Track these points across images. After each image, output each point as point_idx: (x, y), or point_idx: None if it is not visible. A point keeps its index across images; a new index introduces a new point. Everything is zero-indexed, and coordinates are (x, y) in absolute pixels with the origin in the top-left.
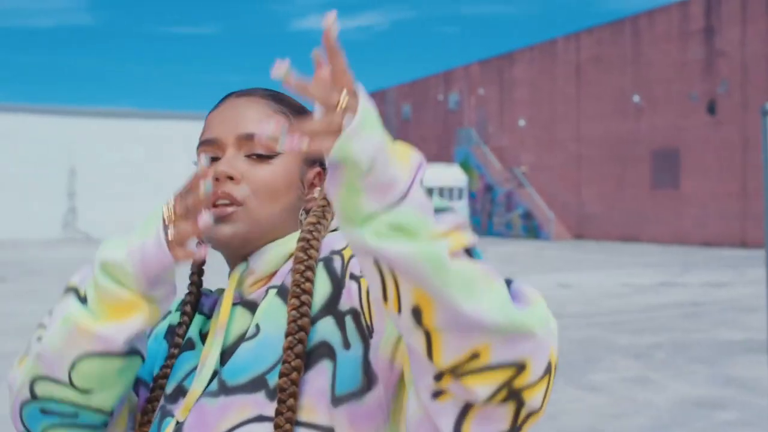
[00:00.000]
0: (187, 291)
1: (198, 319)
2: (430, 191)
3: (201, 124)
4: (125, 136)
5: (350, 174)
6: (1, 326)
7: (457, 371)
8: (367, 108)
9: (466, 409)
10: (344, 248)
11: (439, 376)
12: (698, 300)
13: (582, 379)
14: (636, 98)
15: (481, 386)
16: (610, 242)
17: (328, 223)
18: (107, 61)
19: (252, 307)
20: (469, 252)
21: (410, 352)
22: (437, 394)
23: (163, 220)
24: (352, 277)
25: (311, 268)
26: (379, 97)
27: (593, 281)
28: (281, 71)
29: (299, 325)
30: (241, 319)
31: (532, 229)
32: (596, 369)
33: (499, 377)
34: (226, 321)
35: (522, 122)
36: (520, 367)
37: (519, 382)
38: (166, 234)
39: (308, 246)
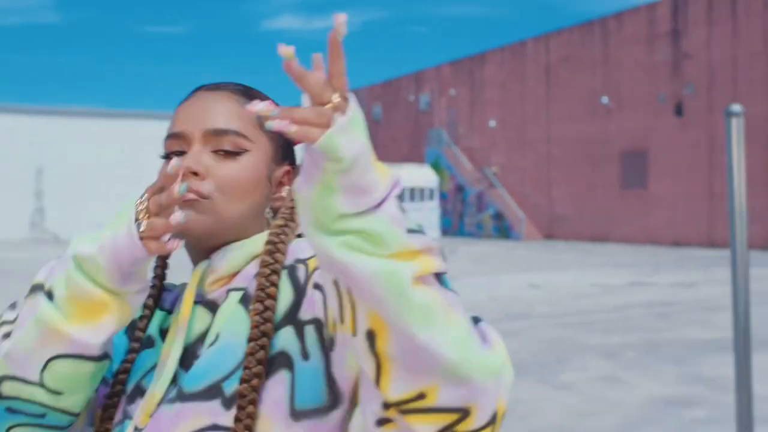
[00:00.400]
0: (150, 284)
1: (159, 314)
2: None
3: None
4: (95, 136)
5: (330, 169)
6: None
7: (402, 407)
8: (357, 112)
9: None
10: (310, 258)
11: (385, 406)
12: (668, 299)
13: (553, 379)
14: (605, 99)
15: (423, 426)
16: (581, 242)
17: (296, 225)
18: (77, 59)
19: (212, 307)
20: (439, 278)
21: (362, 374)
22: (382, 422)
23: (136, 216)
24: (317, 286)
25: (277, 272)
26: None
27: (563, 281)
28: (288, 51)
29: (262, 331)
30: (201, 319)
31: (503, 230)
32: (567, 369)
33: (442, 420)
34: (187, 320)
35: (493, 123)
36: (464, 413)
37: (461, 428)
38: (139, 228)
39: (275, 250)
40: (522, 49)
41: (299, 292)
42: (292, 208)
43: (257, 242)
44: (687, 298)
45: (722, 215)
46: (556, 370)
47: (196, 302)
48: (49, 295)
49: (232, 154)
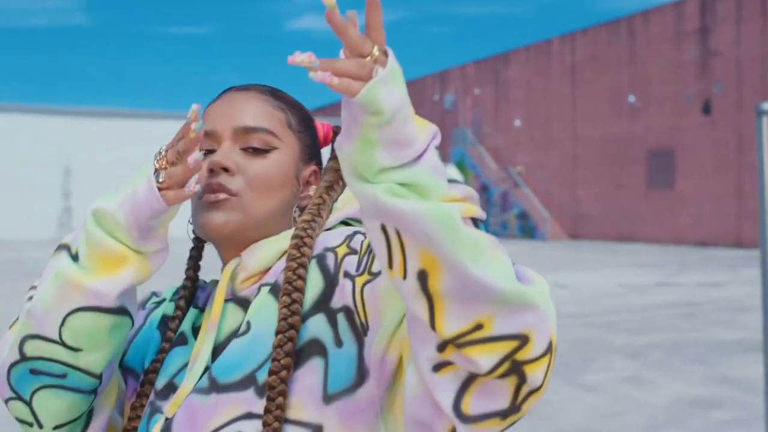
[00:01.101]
0: (181, 285)
1: (191, 312)
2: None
3: None
4: (121, 136)
5: (370, 122)
6: None
7: (459, 342)
8: (396, 65)
9: (466, 384)
10: (338, 246)
11: (441, 347)
12: (694, 300)
13: (578, 379)
14: (631, 98)
15: (484, 357)
16: (606, 242)
17: (322, 221)
18: (103, 61)
19: (244, 303)
20: (476, 224)
21: (412, 323)
22: (438, 367)
23: (155, 169)
24: (347, 275)
25: (304, 266)
26: None
27: (589, 281)
28: (331, 1)
29: (289, 323)
30: (233, 316)
31: (528, 229)
32: (592, 369)
33: (503, 349)
34: (218, 317)
35: (517, 122)
36: (523, 340)
37: (521, 356)
38: (158, 179)
39: (302, 243)
40: (547, 48)
41: (330, 280)
42: (319, 204)
43: (286, 237)
44: (713, 298)
45: (750, 215)
46: (581, 370)
47: (227, 300)
48: (72, 255)
49: (261, 151)
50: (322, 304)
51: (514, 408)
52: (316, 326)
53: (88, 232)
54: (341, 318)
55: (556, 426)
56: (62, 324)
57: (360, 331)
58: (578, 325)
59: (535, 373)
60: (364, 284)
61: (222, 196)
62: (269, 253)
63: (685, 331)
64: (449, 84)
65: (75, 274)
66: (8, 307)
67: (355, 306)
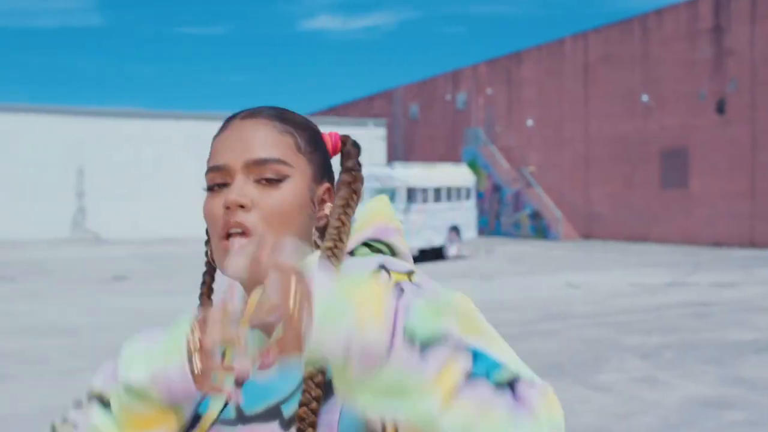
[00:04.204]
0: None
1: None
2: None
3: (209, 124)
4: (134, 136)
5: (332, 364)
6: (5, 325)
7: None
8: (321, 300)
9: None
10: None
11: None
12: (707, 300)
13: (590, 379)
14: (645, 97)
15: None
16: (619, 242)
17: (344, 246)
18: (116, 61)
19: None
20: (470, 374)
21: None
22: None
23: (188, 351)
24: None
25: None
26: (386, 97)
27: (602, 281)
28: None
29: None
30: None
31: (540, 229)
32: (604, 369)
33: None
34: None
35: (530, 122)
36: None
37: None
38: (192, 369)
39: None
40: (560, 47)
41: None
42: (339, 227)
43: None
44: (727, 298)
45: (764, 215)
46: (593, 370)
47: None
48: (104, 402)
49: (274, 181)
50: None
51: None
52: None
53: (120, 400)
54: None
55: (568, 426)
56: None
57: None
58: (591, 325)
59: None
60: None
61: (244, 241)
62: None
63: (698, 332)
64: (462, 83)
65: (109, 429)
66: (19, 307)
67: None
